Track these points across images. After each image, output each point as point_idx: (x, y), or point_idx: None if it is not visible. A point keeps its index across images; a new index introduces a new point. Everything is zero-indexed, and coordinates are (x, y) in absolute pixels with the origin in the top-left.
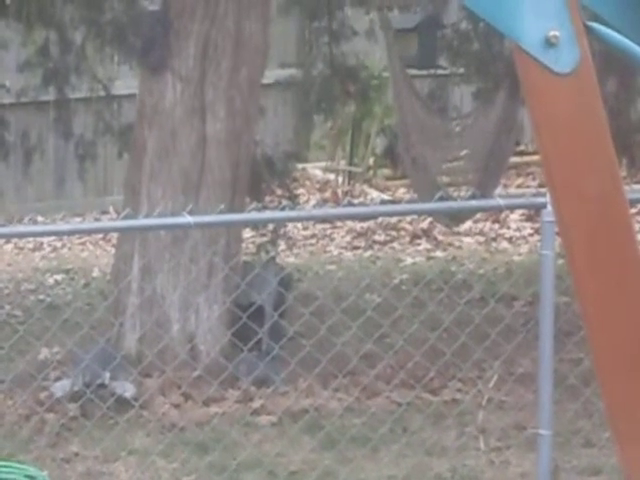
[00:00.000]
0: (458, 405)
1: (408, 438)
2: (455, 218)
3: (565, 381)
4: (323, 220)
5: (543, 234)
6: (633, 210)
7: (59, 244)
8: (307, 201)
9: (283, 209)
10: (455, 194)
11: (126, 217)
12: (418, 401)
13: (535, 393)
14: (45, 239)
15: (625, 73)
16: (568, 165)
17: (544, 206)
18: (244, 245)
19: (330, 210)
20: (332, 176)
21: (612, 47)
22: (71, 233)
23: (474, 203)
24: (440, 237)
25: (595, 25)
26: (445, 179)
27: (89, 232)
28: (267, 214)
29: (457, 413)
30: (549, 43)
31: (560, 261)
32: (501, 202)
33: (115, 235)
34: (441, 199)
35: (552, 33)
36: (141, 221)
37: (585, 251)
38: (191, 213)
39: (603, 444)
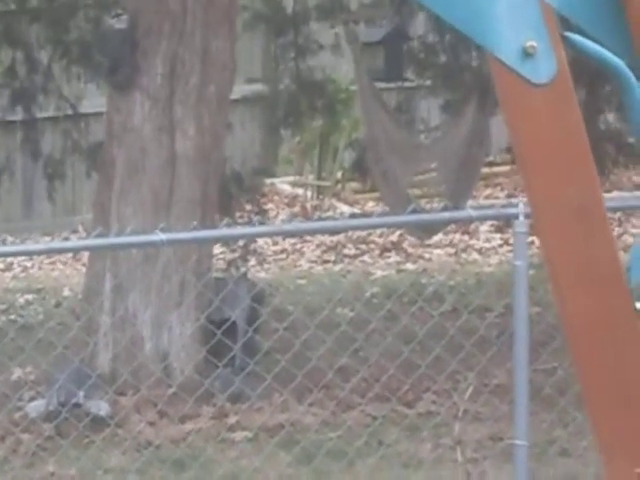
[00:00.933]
0: (433, 417)
1: (384, 451)
2: (427, 230)
3: (540, 391)
4: (293, 235)
5: (516, 245)
6: None
7: (29, 264)
8: (276, 216)
9: (253, 225)
10: (427, 206)
11: (97, 236)
12: (393, 414)
13: (510, 404)
14: (15, 259)
15: (594, 82)
16: (547, 175)
17: (516, 217)
18: (214, 261)
19: (300, 224)
20: (301, 190)
21: (588, 56)
22: (42, 252)
23: (446, 215)
24: (410, 249)
25: (571, 35)
26: (416, 191)
27: (60, 251)
28: (238, 230)
29: (433, 425)
30: (526, 54)
31: (531, 272)
32: (473, 213)
33: (86, 254)
34: (413, 211)
35: (529, 44)
36: (113, 239)
37: (565, 261)
38: (162, 231)
39: (580, 453)
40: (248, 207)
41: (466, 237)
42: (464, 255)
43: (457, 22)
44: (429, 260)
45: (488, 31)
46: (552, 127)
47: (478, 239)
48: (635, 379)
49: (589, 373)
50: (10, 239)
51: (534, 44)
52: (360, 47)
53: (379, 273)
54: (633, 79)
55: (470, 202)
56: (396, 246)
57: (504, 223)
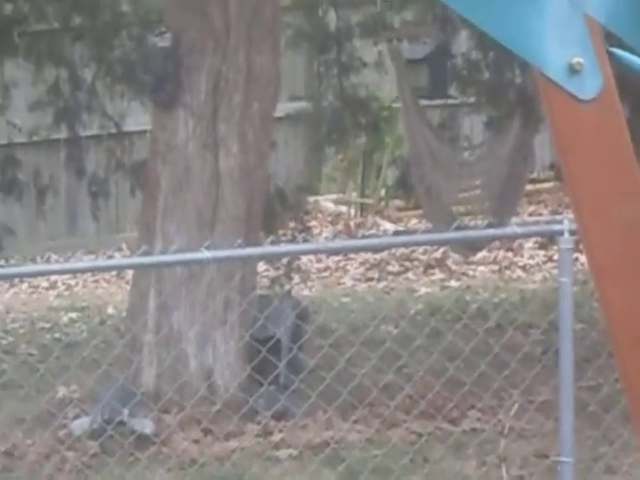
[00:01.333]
0: (479, 434)
1: (429, 469)
2: (472, 247)
3: (586, 408)
4: (337, 252)
5: (560, 261)
6: None
7: (73, 282)
8: (320, 233)
9: (297, 242)
10: (471, 223)
11: (143, 254)
12: (438, 431)
13: (556, 421)
14: (59, 277)
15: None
16: (595, 192)
17: (561, 233)
18: (258, 279)
19: (343, 242)
20: (344, 208)
21: (633, 72)
22: (86, 270)
23: (491, 231)
24: (454, 267)
25: (618, 51)
26: (460, 208)
27: (105, 269)
28: (282, 247)
29: (478, 442)
30: (573, 70)
31: (576, 288)
32: (518, 230)
33: (129, 272)
34: (457, 228)
35: (576, 60)
36: (158, 257)
37: (614, 277)
38: (207, 248)
39: (625, 470)
40: (292, 225)
41: (510, 254)
42: (508, 272)
43: (504, 39)
44: (473, 277)
45: (535, 48)
46: (599, 143)
47: (522, 256)
48: None
49: (636, 386)
50: (54, 257)
51: (580, 60)
52: (403, 64)
53: (423, 290)
54: None
55: (514, 219)
56: (440, 263)
57: (548, 240)
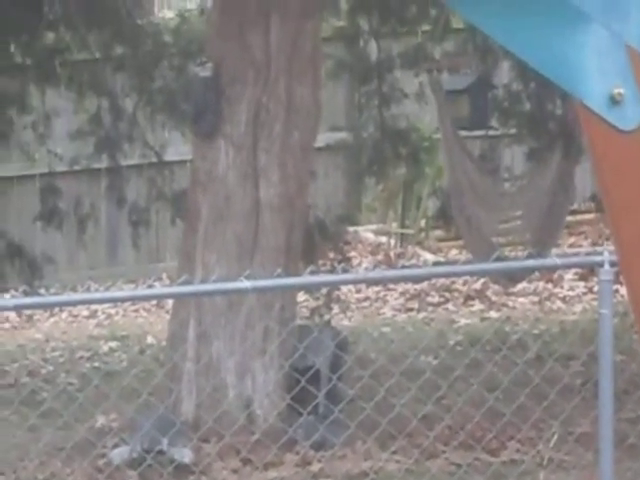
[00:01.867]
0: (518, 466)
1: None
2: (512, 278)
3: (625, 440)
4: (376, 282)
5: (600, 293)
6: None
7: (113, 311)
8: (359, 264)
9: (337, 272)
10: (511, 254)
11: (183, 283)
12: (477, 462)
13: (595, 452)
14: (99, 307)
15: None
16: (634, 220)
17: (601, 265)
18: (298, 309)
19: (383, 272)
20: (384, 238)
21: None
22: (126, 299)
23: (531, 262)
24: (494, 297)
25: None
26: (500, 239)
27: (145, 299)
28: (322, 277)
29: (517, 474)
30: (614, 101)
31: (616, 320)
32: (558, 261)
33: (169, 301)
34: (497, 259)
35: (617, 91)
36: (200, 286)
37: None
38: (247, 278)
39: None
40: (332, 255)
41: (550, 285)
42: (548, 303)
43: (545, 70)
44: (513, 308)
45: (576, 78)
46: (639, 172)
47: (562, 287)
48: None
49: None
50: (94, 286)
51: (621, 91)
52: (444, 95)
53: (463, 321)
54: None
55: (554, 250)
56: (480, 294)
57: (588, 271)
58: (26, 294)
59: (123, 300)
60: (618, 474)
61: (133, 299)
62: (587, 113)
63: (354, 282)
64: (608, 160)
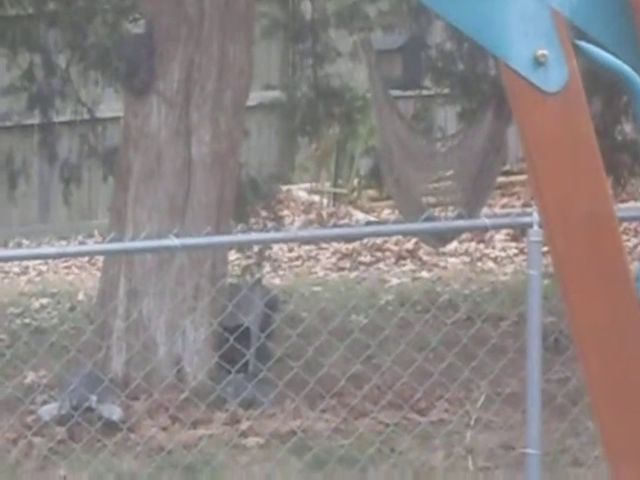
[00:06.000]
0: (446, 425)
1: (396, 459)
2: (441, 238)
3: (553, 400)
4: (308, 241)
5: (530, 254)
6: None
7: (44, 268)
8: (292, 223)
9: (268, 231)
10: (441, 214)
11: (112, 240)
12: (405, 422)
13: (523, 413)
14: (30, 263)
15: (610, 92)
16: (558, 184)
17: (530, 225)
18: (229, 267)
19: (315, 231)
20: (317, 198)
21: (600, 66)
22: (57, 256)
23: (460, 223)
24: (425, 258)
25: (583, 44)
26: (431, 199)
27: (76, 255)
28: (253, 235)
29: (445, 433)
30: (538, 62)
31: (546, 281)
32: (487, 222)
33: (101, 258)
34: (427, 219)
35: (540, 52)
36: (128, 244)
37: (576, 269)
38: (177, 235)
39: (591, 463)
40: (264, 213)
41: (481, 246)
42: (479, 264)
43: (470, 31)
44: (444, 268)
45: (500, 40)
46: (562, 135)
47: (493, 248)
48: None
49: (597, 379)
50: (26, 243)
51: (545, 52)
52: (376, 55)
53: (394, 281)
54: None
55: (486, 211)
56: (411, 254)
57: (519, 232)
58: None
59: (54, 257)
60: (545, 434)
61: (63, 256)
62: (511, 74)
63: (286, 241)
64: (531, 121)
